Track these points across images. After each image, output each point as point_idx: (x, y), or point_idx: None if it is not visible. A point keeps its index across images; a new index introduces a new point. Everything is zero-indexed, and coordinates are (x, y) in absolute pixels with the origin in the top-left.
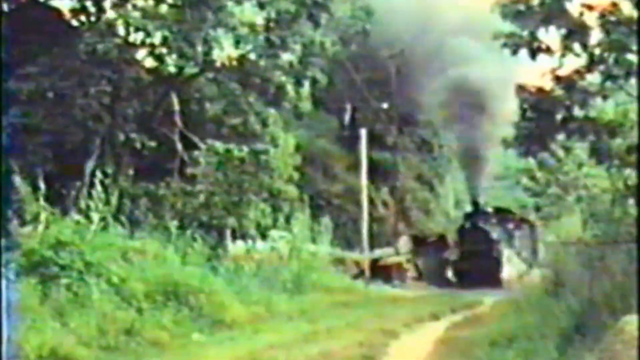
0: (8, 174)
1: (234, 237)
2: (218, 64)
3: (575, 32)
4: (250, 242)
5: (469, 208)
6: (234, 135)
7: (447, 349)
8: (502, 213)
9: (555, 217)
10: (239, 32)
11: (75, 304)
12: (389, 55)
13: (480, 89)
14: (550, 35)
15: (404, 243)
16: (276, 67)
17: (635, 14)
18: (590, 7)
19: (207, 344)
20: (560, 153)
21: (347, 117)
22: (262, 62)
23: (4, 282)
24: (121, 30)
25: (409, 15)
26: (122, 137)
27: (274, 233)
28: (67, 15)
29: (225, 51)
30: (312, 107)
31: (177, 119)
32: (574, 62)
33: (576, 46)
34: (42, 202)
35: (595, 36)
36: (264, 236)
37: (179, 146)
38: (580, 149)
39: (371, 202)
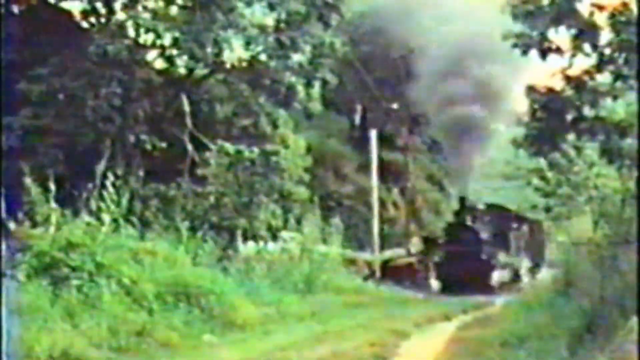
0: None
1: (245, 238)
2: (228, 65)
3: (585, 32)
4: (261, 243)
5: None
6: (244, 136)
7: (458, 349)
8: (495, 210)
9: (566, 217)
10: (249, 33)
11: (86, 305)
12: (399, 56)
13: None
14: (560, 36)
15: (415, 244)
16: (286, 68)
17: None
18: (600, 7)
19: (218, 345)
20: (571, 153)
21: (357, 118)
22: (272, 63)
23: (4, 281)
24: (131, 32)
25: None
26: (132, 138)
27: (284, 234)
28: (78, 16)
29: (235, 52)
30: (322, 108)
31: (188, 120)
32: (584, 62)
33: (586, 46)
34: (52, 203)
35: (605, 36)
36: (274, 237)
37: (190, 147)
38: (591, 149)
39: (382, 203)
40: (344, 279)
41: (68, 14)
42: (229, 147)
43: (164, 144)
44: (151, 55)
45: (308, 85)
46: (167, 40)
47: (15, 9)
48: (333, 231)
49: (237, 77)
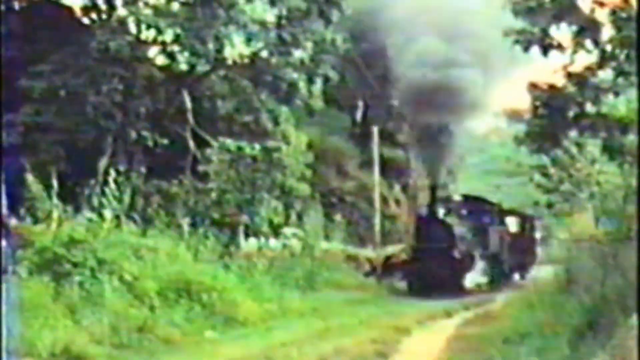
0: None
1: (246, 234)
2: (229, 62)
3: (587, 28)
4: (262, 239)
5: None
6: (245, 133)
7: (460, 346)
8: (474, 202)
9: (567, 214)
10: (250, 29)
11: (87, 301)
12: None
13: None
14: (562, 32)
15: None
16: (288, 65)
17: None
18: (601, 4)
19: (220, 342)
20: (573, 150)
21: (359, 115)
22: (273, 60)
23: (6, 278)
24: (133, 28)
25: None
26: (134, 134)
27: (286, 230)
28: (79, 13)
29: (236, 49)
30: (323, 105)
31: (189, 116)
32: (586, 58)
33: (588, 43)
34: (54, 200)
35: (607, 33)
36: (276, 233)
37: (191, 144)
38: (593, 145)
39: (384, 199)
40: (346, 275)
41: (69, 10)
42: (231, 143)
43: (165, 141)
44: (152, 51)
45: (309, 81)
46: (168, 36)
47: (16, 5)
48: (335, 227)
49: (239, 73)
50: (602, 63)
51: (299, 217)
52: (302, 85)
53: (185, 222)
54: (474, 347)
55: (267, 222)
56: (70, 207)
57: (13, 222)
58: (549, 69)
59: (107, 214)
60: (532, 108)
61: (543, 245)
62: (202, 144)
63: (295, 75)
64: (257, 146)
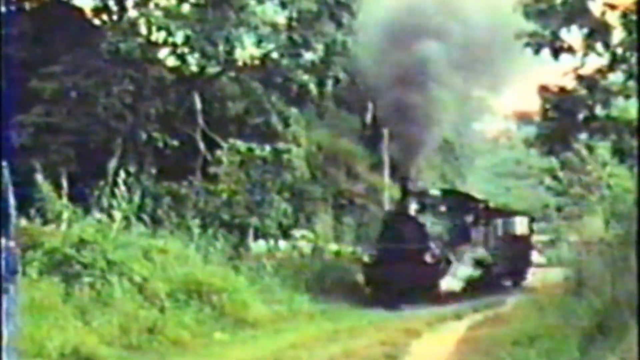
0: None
1: (256, 236)
2: (240, 63)
3: (598, 31)
4: (272, 241)
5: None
6: (256, 135)
7: (469, 348)
8: (455, 198)
9: (577, 217)
10: (261, 31)
11: (97, 302)
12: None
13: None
14: (573, 35)
15: None
16: (298, 67)
17: None
18: (612, 7)
19: (229, 343)
20: (584, 152)
21: (369, 116)
22: (284, 62)
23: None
24: (143, 30)
25: None
26: (144, 136)
27: (296, 232)
28: (90, 14)
29: (247, 50)
30: (334, 106)
31: (199, 118)
32: (596, 61)
33: (598, 45)
34: (64, 200)
35: (618, 35)
36: (286, 235)
37: (201, 145)
38: (604, 148)
39: (394, 201)
40: (356, 277)
41: (80, 11)
42: (241, 145)
43: (175, 142)
44: (163, 53)
45: (320, 83)
46: (179, 38)
47: (27, 6)
48: (345, 229)
49: (249, 75)
50: (612, 66)
51: (309, 219)
52: (312, 87)
53: (195, 224)
54: (484, 349)
55: (277, 224)
56: (80, 208)
57: (23, 222)
58: (558, 72)
59: (117, 215)
60: (542, 110)
61: (551, 248)
62: (212, 145)
63: (305, 77)
64: (267, 148)
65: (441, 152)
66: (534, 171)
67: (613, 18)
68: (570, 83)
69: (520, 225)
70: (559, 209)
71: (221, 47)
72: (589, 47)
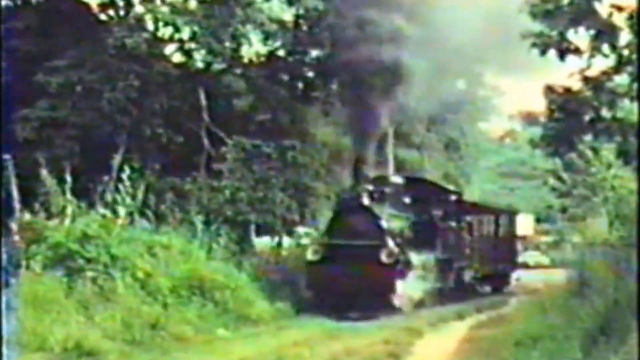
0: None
1: (260, 232)
2: (246, 60)
3: (604, 32)
4: (276, 238)
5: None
6: (261, 131)
7: (472, 348)
8: (422, 188)
9: (581, 218)
10: (268, 28)
11: (100, 297)
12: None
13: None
14: (579, 36)
15: None
16: (304, 64)
17: None
18: (619, 8)
19: (232, 340)
20: (589, 154)
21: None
22: (290, 59)
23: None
24: (150, 25)
25: None
26: (149, 131)
27: (300, 229)
28: (96, 9)
29: (253, 47)
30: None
31: (205, 114)
32: (603, 63)
33: (605, 47)
34: (68, 195)
35: (625, 37)
36: (290, 232)
37: (206, 141)
38: (608, 149)
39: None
40: None
41: (86, 6)
42: (246, 142)
43: (180, 138)
44: (169, 49)
45: (326, 81)
46: (185, 34)
47: (34, 0)
48: None
49: (255, 72)
50: (618, 67)
51: (313, 216)
52: (318, 84)
53: (198, 220)
54: (486, 349)
55: (281, 220)
56: (84, 203)
57: (27, 217)
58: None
59: (121, 210)
60: (547, 111)
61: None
62: (216, 142)
63: (311, 74)
64: (272, 145)
65: (445, 151)
66: (539, 172)
67: (620, 20)
68: (576, 84)
69: (504, 224)
70: (563, 210)
71: (227, 44)
72: (595, 49)
